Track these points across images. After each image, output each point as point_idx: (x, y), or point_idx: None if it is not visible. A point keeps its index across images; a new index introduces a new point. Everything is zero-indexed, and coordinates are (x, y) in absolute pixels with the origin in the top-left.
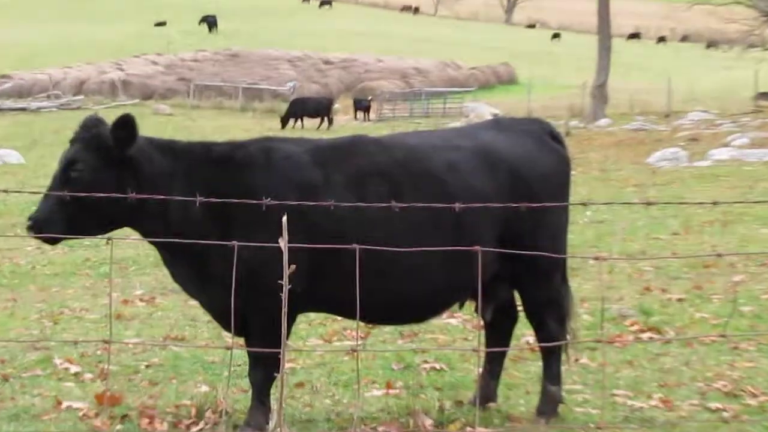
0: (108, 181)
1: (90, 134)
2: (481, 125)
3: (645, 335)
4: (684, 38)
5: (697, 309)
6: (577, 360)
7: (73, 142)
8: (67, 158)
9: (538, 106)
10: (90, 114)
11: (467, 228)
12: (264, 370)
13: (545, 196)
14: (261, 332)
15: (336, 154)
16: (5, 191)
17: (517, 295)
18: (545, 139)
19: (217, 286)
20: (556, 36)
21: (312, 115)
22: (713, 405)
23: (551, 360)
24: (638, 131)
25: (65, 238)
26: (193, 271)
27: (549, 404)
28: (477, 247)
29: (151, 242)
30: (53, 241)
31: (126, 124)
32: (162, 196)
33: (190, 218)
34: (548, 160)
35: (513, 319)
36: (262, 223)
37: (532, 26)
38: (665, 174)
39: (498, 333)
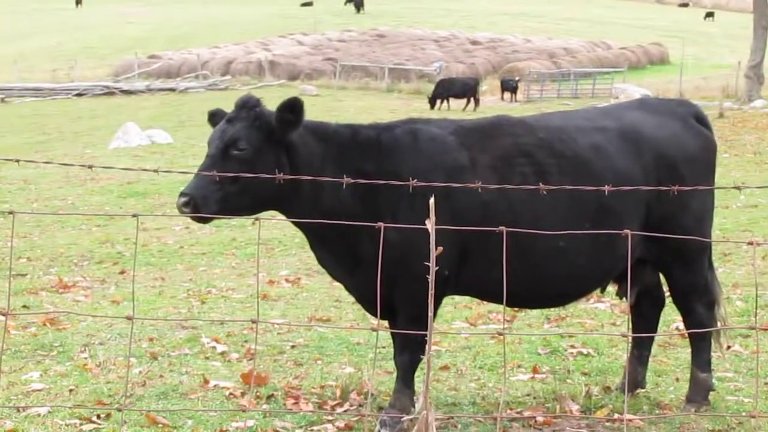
0: (267, 162)
1: (253, 113)
2: (626, 105)
3: None
4: None
5: None
6: (729, 347)
7: (231, 120)
8: (229, 135)
9: (690, 87)
10: (247, 94)
11: (610, 210)
12: (410, 352)
13: (690, 179)
14: (408, 315)
15: (480, 135)
16: (155, 171)
17: (664, 280)
18: (691, 121)
19: (365, 269)
20: (709, 15)
21: (458, 96)
22: None
23: (701, 346)
24: None
25: (216, 218)
26: (341, 255)
27: (699, 392)
28: (626, 231)
29: (296, 225)
30: (206, 220)
31: (294, 107)
32: (308, 177)
33: (340, 203)
34: (694, 143)
35: (659, 304)
36: (409, 207)
37: (684, 5)
38: None
39: (645, 318)
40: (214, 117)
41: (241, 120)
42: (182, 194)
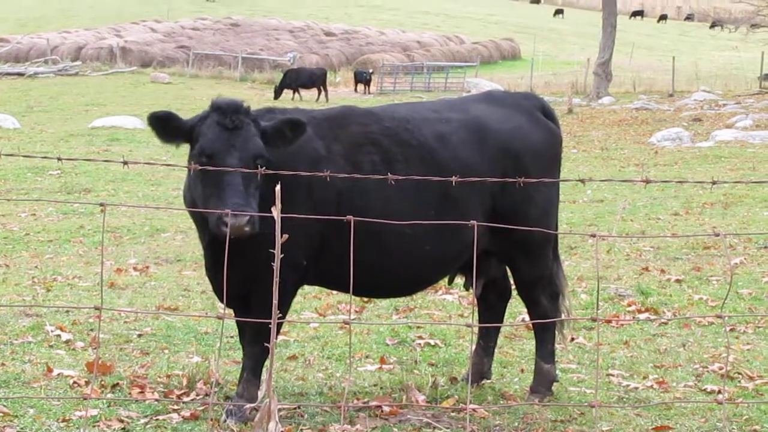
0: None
1: (250, 119)
2: (473, 98)
3: (642, 315)
4: (688, 17)
5: (695, 291)
6: (572, 339)
7: (240, 127)
8: (254, 145)
9: (540, 83)
10: (231, 98)
11: (454, 199)
12: (261, 342)
13: (535, 171)
14: (262, 304)
15: (331, 125)
16: None
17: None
18: (536, 114)
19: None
20: (559, 12)
21: (307, 86)
22: (708, 387)
23: (545, 338)
24: (641, 110)
25: None
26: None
27: (543, 383)
28: (473, 222)
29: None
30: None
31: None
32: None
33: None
34: (539, 135)
35: (506, 296)
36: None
37: (536, 2)
38: (667, 154)
39: (491, 310)
40: (166, 121)
41: (250, 127)
42: (239, 214)
